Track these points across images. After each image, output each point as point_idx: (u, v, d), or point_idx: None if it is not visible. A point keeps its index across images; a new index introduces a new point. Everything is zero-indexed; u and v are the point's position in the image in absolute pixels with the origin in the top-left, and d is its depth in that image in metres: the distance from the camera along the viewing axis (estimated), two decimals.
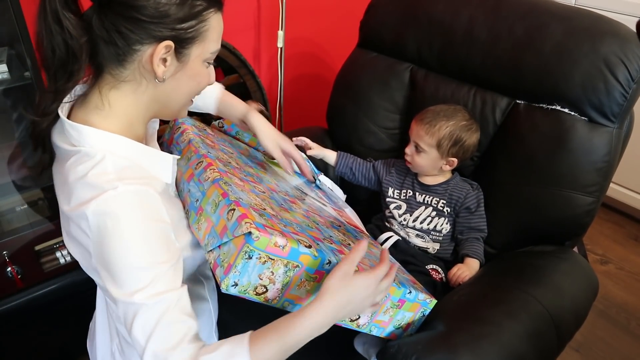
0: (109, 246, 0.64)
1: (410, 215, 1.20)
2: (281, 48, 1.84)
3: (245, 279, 0.69)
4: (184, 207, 0.81)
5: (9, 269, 1.25)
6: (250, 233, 0.67)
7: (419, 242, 1.20)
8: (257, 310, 0.78)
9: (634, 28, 1.06)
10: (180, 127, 0.96)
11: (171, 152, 0.88)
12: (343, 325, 0.83)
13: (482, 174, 1.23)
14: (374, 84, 1.39)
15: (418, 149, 1.16)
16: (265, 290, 0.72)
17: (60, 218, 0.76)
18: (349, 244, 0.90)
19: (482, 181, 1.21)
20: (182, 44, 0.68)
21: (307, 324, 0.67)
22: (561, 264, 1.06)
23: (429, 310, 0.93)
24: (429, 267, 1.16)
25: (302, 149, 1.18)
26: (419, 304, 0.90)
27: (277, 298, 0.74)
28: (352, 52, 1.49)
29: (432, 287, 1.09)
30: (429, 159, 1.16)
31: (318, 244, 0.77)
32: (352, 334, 0.97)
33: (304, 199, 1.03)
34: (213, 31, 0.71)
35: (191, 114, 1.12)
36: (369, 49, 1.43)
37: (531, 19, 1.13)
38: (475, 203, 1.17)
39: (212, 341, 0.81)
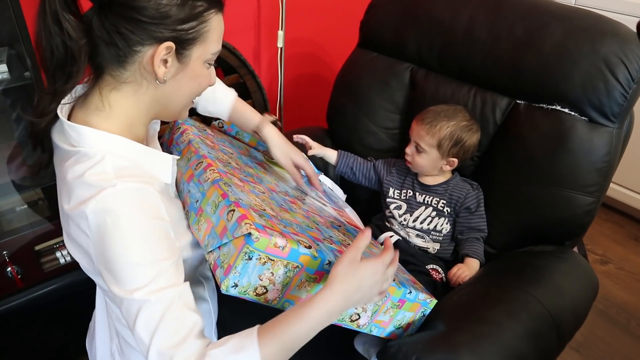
0: (109, 244, 0.63)
1: (411, 216, 1.20)
2: (281, 48, 1.84)
3: (245, 280, 0.69)
4: (184, 208, 0.81)
5: (9, 269, 1.25)
6: (250, 234, 0.66)
7: (419, 242, 1.20)
8: (257, 310, 0.78)
9: (634, 28, 1.06)
10: (180, 128, 0.96)
11: (171, 153, 0.88)
12: (343, 326, 0.83)
13: (482, 174, 1.23)
14: (374, 84, 1.39)
15: (418, 149, 1.16)
16: (265, 291, 0.72)
17: (61, 218, 0.75)
18: (349, 244, 0.90)
19: (482, 181, 1.21)
20: (183, 45, 0.68)
21: (317, 312, 0.66)
22: (561, 264, 1.06)
23: (429, 310, 0.93)
24: (429, 267, 1.16)
25: (302, 147, 1.18)
26: (419, 303, 0.90)
27: (277, 299, 0.74)
28: (352, 52, 1.49)
29: (432, 287, 1.09)
30: (430, 159, 1.16)
31: (318, 245, 0.77)
32: (352, 334, 0.97)
33: (304, 199, 1.03)
34: (214, 32, 0.71)
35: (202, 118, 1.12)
36: (369, 49, 1.43)
37: (531, 19, 1.13)
38: (475, 203, 1.17)
39: None
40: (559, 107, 1.09)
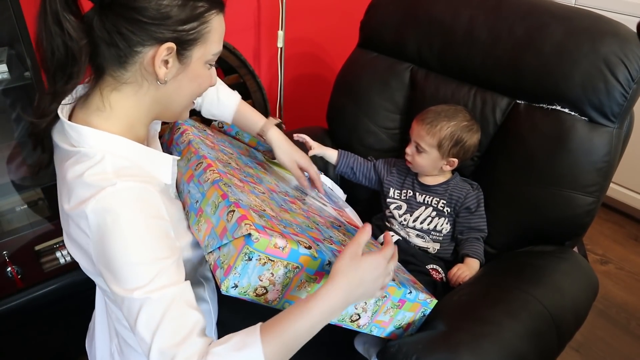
0: (109, 243, 0.63)
1: (411, 216, 1.20)
2: (281, 48, 1.84)
3: (245, 281, 0.69)
4: (184, 208, 0.81)
5: (9, 269, 1.25)
6: (250, 234, 0.66)
7: (419, 242, 1.20)
8: (257, 310, 0.78)
9: (634, 28, 1.06)
10: (180, 128, 0.96)
11: (171, 153, 0.88)
12: (344, 326, 0.83)
13: (482, 174, 1.23)
14: (374, 84, 1.39)
15: (419, 149, 1.16)
16: (265, 291, 0.72)
17: (61, 218, 0.75)
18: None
19: (482, 181, 1.21)
20: (183, 46, 0.68)
21: (320, 308, 0.66)
22: (561, 264, 1.06)
23: (429, 310, 0.93)
24: (429, 267, 1.16)
25: (302, 147, 1.18)
26: (419, 304, 0.90)
27: (278, 299, 0.74)
28: (353, 52, 1.49)
29: (432, 286, 1.09)
30: (430, 159, 1.16)
31: (318, 245, 0.77)
32: (352, 334, 0.97)
33: (304, 199, 1.03)
34: (215, 33, 0.71)
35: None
36: (369, 49, 1.43)
37: (531, 19, 1.13)
38: (475, 203, 1.17)
39: None
40: (559, 107, 1.09)
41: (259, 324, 0.65)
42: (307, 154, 1.11)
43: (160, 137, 0.89)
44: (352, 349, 1.00)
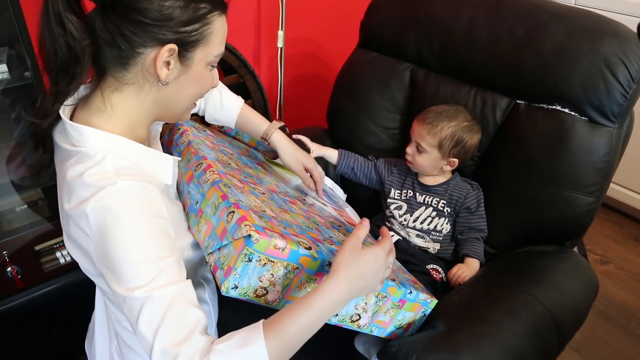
0: (109, 242, 0.63)
1: (411, 216, 1.20)
2: (281, 48, 1.84)
3: (246, 282, 0.69)
4: (184, 209, 0.81)
5: (9, 269, 1.25)
6: (249, 236, 0.66)
7: (419, 242, 1.20)
8: (258, 311, 0.78)
9: (634, 28, 1.06)
10: (180, 129, 0.96)
11: (171, 154, 0.88)
12: (344, 326, 0.83)
13: (482, 174, 1.23)
14: (375, 84, 1.39)
15: (419, 149, 1.16)
16: (265, 292, 0.72)
17: (61, 219, 0.75)
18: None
19: (483, 181, 1.21)
20: (185, 47, 0.68)
21: (322, 302, 0.66)
22: (561, 263, 1.06)
23: (429, 310, 0.93)
24: (430, 266, 1.16)
25: (302, 146, 1.18)
26: (419, 304, 0.90)
27: (278, 300, 0.74)
28: (353, 52, 1.49)
29: (432, 286, 1.09)
30: (430, 159, 1.16)
31: (318, 246, 0.77)
32: (352, 333, 0.97)
33: (304, 199, 1.03)
34: (217, 34, 0.71)
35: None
36: (370, 49, 1.43)
37: (531, 19, 1.13)
38: (475, 203, 1.17)
39: None
40: (559, 107, 1.09)
41: (262, 320, 0.65)
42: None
43: (160, 138, 0.89)
44: (352, 349, 1.00)
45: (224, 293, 0.69)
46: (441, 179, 1.21)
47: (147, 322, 0.62)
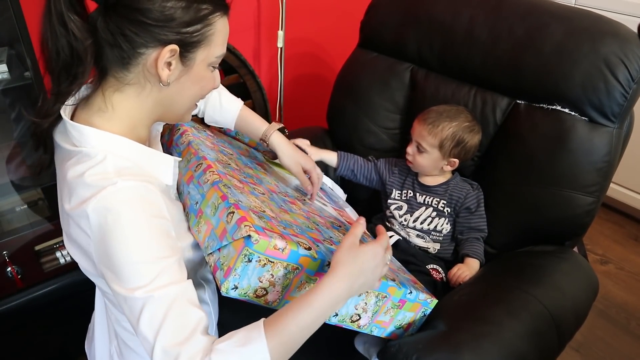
0: (110, 242, 0.63)
1: (411, 216, 1.20)
2: (281, 48, 1.84)
3: (245, 282, 0.69)
4: (184, 210, 0.81)
5: (9, 269, 1.25)
6: (249, 236, 0.66)
7: (419, 242, 1.20)
8: (258, 311, 0.78)
9: (634, 28, 1.06)
10: (179, 129, 0.96)
11: (171, 154, 0.88)
12: (344, 327, 0.83)
13: (482, 174, 1.23)
14: (375, 84, 1.39)
15: (420, 149, 1.16)
16: (265, 292, 0.72)
17: (61, 219, 0.75)
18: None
19: (483, 181, 1.21)
20: (187, 48, 0.68)
21: (322, 299, 0.66)
22: (561, 263, 1.06)
23: (429, 310, 0.93)
24: (430, 266, 1.16)
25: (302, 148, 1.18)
26: (419, 304, 0.90)
27: (278, 300, 0.74)
28: (353, 52, 1.49)
29: (432, 286, 1.09)
30: (431, 159, 1.16)
31: (318, 246, 0.77)
32: (352, 333, 0.97)
33: (304, 200, 1.03)
34: (219, 35, 0.71)
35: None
36: (370, 49, 1.43)
37: (531, 19, 1.13)
38: (475, 203, 1.17)
39: None
40: (559, 107, 1.09)
41: (262, 319, 0.65)
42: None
43: (159, 138, 0.89)
44: (352, 349, 1.00)
45: (223, 293, 0.69)
46: (441, 179, 1.21)
47: (148, 322, 0.62)
